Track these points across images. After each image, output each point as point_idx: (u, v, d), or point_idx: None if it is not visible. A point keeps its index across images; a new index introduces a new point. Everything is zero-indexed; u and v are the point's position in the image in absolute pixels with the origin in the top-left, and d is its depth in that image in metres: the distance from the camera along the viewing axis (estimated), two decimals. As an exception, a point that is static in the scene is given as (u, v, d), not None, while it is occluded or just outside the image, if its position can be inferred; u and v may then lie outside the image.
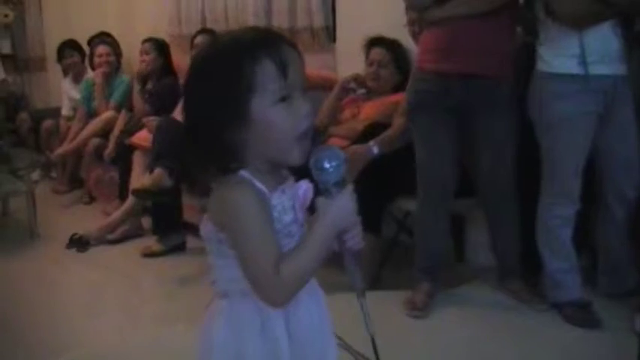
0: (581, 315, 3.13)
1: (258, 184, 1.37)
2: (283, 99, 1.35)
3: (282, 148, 1.38)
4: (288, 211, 1.42)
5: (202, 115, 1.38)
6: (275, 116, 1.35)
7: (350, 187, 1.40)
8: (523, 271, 3.44)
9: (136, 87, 5.55)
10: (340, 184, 1.39)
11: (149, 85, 5.56)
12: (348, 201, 1.39)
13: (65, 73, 6.65)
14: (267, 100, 1.34)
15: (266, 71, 1.33)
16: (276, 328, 1.42)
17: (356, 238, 1.42)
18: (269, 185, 1.39)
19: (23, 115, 7.05)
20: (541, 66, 3.08)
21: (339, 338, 2.10)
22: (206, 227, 1.43)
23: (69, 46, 6.51)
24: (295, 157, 1.39)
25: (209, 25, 5.53)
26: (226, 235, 1.37)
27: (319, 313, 1.51)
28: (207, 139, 1.38)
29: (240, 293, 1.41)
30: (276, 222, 1.39)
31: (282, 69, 1.34)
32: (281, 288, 1.34)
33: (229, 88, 1.35)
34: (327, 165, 1.38)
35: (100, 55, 5.97)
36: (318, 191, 1.41)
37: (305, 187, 1.46)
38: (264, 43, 1.36)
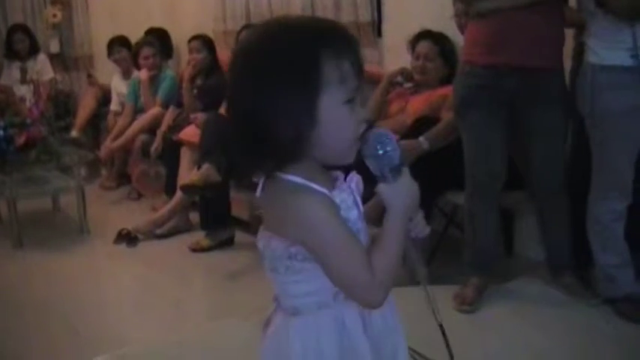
0: (634, 310, 3.09)
1: (317, 187, 1.31)
2: (349, 101, 1.30)
3: (341, 150, 1.33)
4: (352, 207, 1.38)
5: (265, 111, 1.27)
6: (342, 117, 1.29)
7: (406, 169, 1.38)
8: (575, 265, 3.40)
9: (186, 85, 5.56)
10: (397, 168, 1.36)
11: (198, 82, 5.58)
12: (412, 182, 1.37)
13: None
14: (336, 100, 1.28)
15: (345, 69, 1.28)
16: (355, 338, 1.39)
17: (420, 225, 1.41)
18: (326, 186, 1.33)
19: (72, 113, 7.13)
20: (591, 58, 3.02)
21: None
22: (270, 244, 1.36)
23: (117, 43, 6.57)
24: (350, 158, 1.35)
25: (254, 21, 5.52)
26: (303, 247, 1.31)
27: (392, 312, 1.47)
28: (265, 137, 1.27)
29: (316, 306, 1.37)
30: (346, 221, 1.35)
31: (359, 69, 1.31)
32: (379, 287, 1.32)
33: (304, 84, 1.26)
34: (380, 151, 1.35)
35: (146, 58, 6.00)
36: (370, 178, 1.38)
37: (355, 179, 1.42)
38: (345, 39, 1.31)
